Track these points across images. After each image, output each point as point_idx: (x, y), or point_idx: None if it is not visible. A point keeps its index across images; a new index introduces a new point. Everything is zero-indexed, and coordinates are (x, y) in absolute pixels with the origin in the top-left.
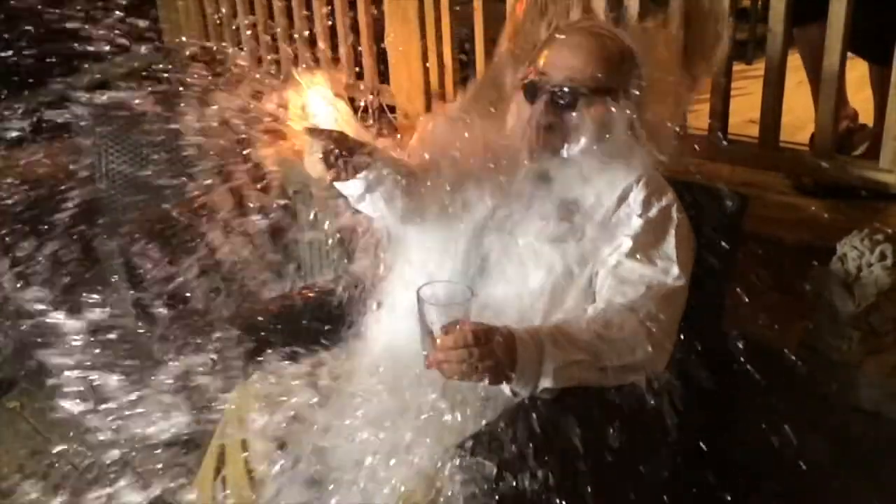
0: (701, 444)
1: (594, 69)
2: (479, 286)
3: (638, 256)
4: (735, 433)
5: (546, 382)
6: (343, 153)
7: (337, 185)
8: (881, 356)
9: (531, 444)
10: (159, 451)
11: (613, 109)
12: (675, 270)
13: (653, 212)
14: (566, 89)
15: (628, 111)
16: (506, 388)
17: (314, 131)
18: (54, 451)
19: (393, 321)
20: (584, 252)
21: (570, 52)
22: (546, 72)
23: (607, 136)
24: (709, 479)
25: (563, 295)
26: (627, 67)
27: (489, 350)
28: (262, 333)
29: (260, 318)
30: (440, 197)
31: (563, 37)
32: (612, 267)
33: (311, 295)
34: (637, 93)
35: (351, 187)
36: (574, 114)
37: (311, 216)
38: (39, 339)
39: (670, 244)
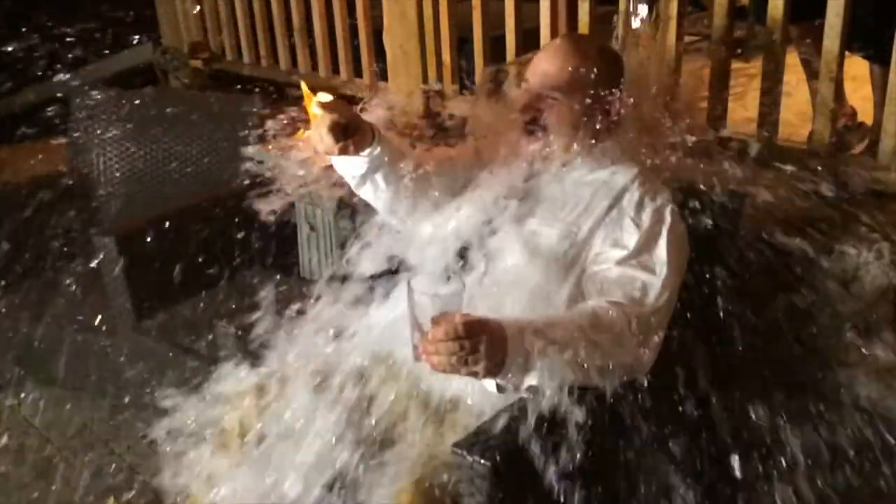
0: (697, 441)
1: (569, 72)
2: (473, 286)
3: (629, 259)
4: (731, 430)
5: (532, 379)
6: (351, 128)
7: (339, 165)
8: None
9: (527, 443)
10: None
11: (593, 109)
12: (666, 273)
13: (646, 213)
14: (542, 93)
15: (613, 111)
16: (490, 384)
17: (325, 104)
18: (51, 449)
19: (389, 316)
20: (579, 254)
21: (547, 58)
22: (528, 79)
23: (591, 136)
24: (704, 476)
25: (556, 297)
26: (607, 68)
27: (479, 343)
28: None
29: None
30: (438, 192)
31: (545, 46)
32: (602, 268)
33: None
34: (621, 93)
35: (354, 166)
36: (551, 116)
37: (312, 214)
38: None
39: (662, 247)
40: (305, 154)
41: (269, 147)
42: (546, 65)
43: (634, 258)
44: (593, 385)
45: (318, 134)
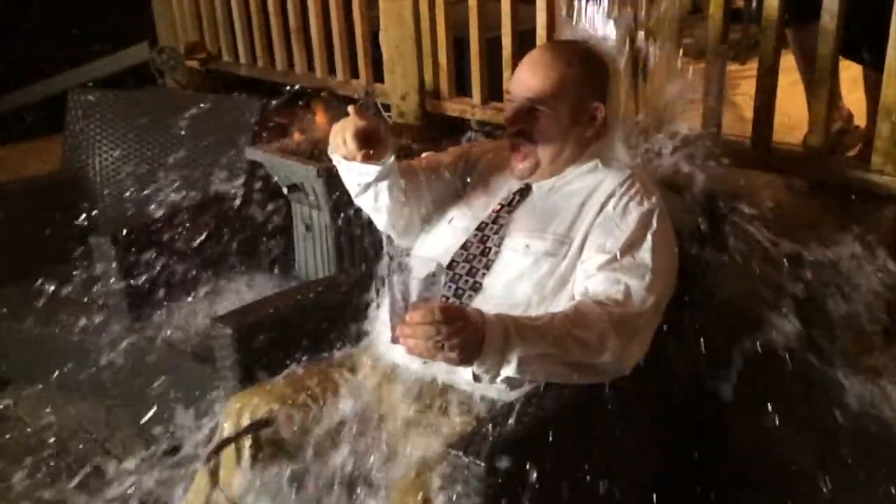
0: (691, 442)
1: (550, 84)
2: (465, 298)
3: (612, 262)
4: (725, 432)
5: (509, 370)
6: (375, 136)
7: (344, 171)
8: (872, 356)
9: (522, 444)
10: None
11: (580, 117)
12: (651, 278)
13: (631, 217)
14: (525, 107)
15: (600, 117)
16: (466, 372)
17: (359, 111)
18: (48, 449)
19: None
20: (572, 266)
21: (528, 70)
22: (510, 91)
23: (579, 143)
24: (698, 476)
25: (548, 308)
26: (591, 74)
27: (457, 329)
28: (259, 335)
29: (256, 319)
30: (432, 203)
31: (527, 56)
32: (588, 270)
33: (309, 295)
34: (607, 97)
35: (362, 174)
36: (537, 128)
37: (308, 214)
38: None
39: (646, 251)
40: None
41: (266, 147)
42: (528, 76)
43: (618, 262)
44: (572, 382)
45: (341, 138)
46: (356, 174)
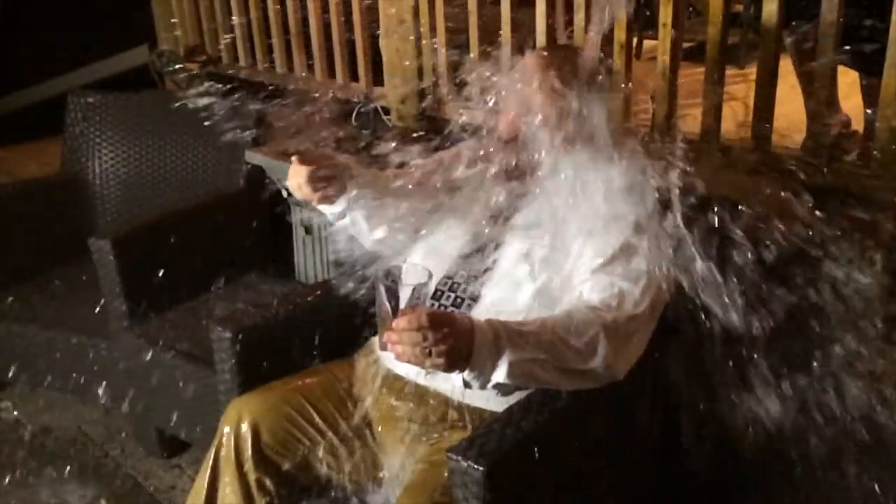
0: (689, 445)
1: (543, 91)
2: (464, 308)
3: (606, 266)
4: (723, 437)
5: (500, 376)
6: (327, 176)
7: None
8: (871, 361)
9: (520, 448)
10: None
11: (573, 125)
12: (645, 283)
13: (628, 222)
14: (518, 115)
15: (593, 126)
16: (457, 378)
17: (302, 159)
18: (46, 452)
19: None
20: (568, 269)
21: (520, 79)
22: (503, 101)
23: (574, 156)
24: (697, 479)
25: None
26: (581, 81)
27: (444, 335)
28: (258, 339)
29: (255, 323)
30: (426, 213)
31: (515, 69)
32: (583, 274)
33: (309, 298)
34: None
35: (332, 206)
36: (531, 137)
37: (308, 217)
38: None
39: (642, 256)
40: None
41: (265, 150)
42: (520, 84)
43: (612, 266)
44: (563, 387)
45: (296, 184)
46: (327, 206)
